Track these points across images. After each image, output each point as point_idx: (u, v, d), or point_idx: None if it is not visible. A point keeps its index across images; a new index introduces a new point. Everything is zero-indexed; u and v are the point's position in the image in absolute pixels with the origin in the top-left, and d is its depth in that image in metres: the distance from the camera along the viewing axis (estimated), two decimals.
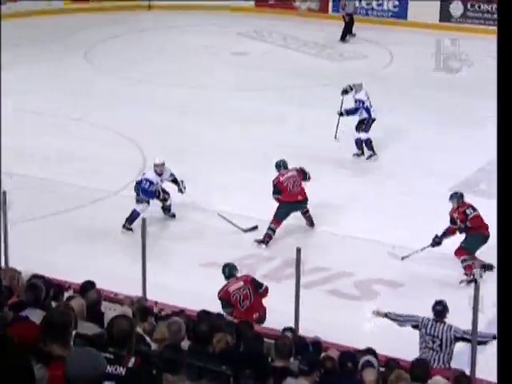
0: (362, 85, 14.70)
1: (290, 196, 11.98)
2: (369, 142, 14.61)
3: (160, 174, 12.19)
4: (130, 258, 10.20)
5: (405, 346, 8.40)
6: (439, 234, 11.19)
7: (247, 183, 13.47)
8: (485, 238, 10.87)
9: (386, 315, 8.74)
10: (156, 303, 8.84)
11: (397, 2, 23.92)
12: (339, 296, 10.66)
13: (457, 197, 11.15)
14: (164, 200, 12.38)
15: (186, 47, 21.47)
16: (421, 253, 11.16)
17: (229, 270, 9.48)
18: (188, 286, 10.37)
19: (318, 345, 7.38)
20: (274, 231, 11.93)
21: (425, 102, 17.19)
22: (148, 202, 12.22)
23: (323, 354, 6.95)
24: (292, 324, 8.26)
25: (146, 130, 15.62)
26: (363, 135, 14.53)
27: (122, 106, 16.86)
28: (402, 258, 11.18)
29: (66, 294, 7.48)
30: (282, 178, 12.03)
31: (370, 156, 14.70)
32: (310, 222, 12.32)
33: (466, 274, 10.83)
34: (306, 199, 12.10)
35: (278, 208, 11.97)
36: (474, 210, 11.03)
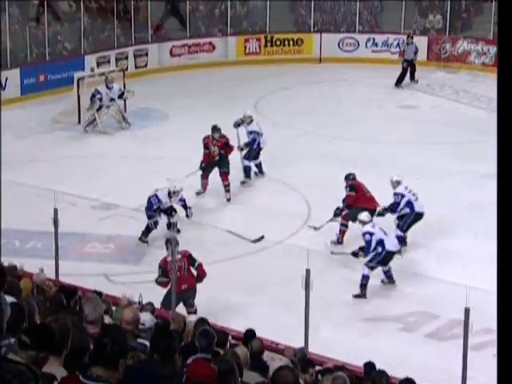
0: (251, 116, 15.88)
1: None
2: (248, 169, 15.73)
3: (171, 197, 13.41)
4: (287, 307, 10.20)
5: None
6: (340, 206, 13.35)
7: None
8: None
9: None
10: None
11: None
12: None
13: (347, 177, 13.34)
14: (170, 215, 13.46)
15: (354, 100, 21.41)
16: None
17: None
18: (346, 338, 10.32)
19: None
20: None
21: None
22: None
23: None
24: None
25: (312, 180, 15.60)
26: (247, 162, 15.66)
27: (290, 157, 16.96)
28: (315, 229, 13.38)
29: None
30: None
31: (244, 182, 15.64)
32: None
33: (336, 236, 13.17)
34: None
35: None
36: (352, 190, 13.23)
